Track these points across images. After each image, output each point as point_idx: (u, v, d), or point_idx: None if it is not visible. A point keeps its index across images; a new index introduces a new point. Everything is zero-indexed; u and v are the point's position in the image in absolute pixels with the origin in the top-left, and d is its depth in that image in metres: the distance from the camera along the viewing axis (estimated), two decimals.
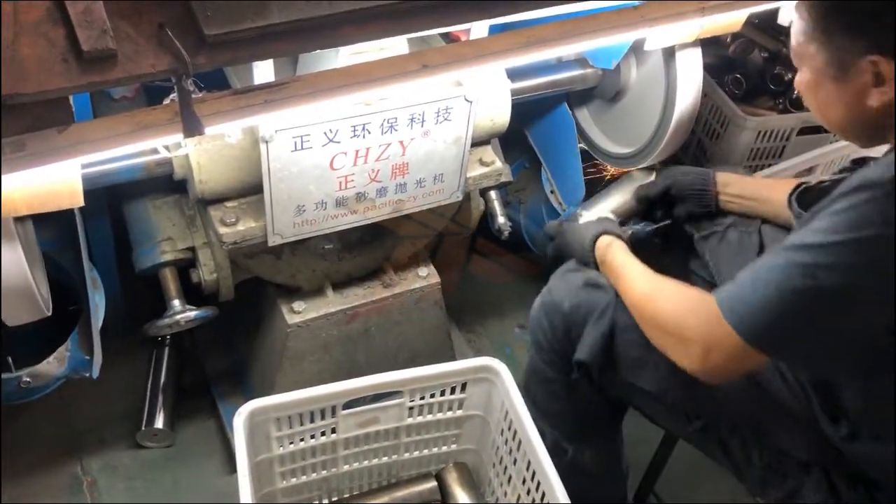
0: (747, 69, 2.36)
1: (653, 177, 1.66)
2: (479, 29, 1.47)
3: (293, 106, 1.21)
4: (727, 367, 1.17)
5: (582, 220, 1.56)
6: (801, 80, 1.18)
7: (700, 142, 2.34)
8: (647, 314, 1.29)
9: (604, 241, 1.46)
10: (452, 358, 1.98)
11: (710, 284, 1.57)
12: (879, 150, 1.20)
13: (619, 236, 1.47)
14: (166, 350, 1.98)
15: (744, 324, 1.11)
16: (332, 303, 1.75)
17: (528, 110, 1.95)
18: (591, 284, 1.45)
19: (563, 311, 1.45)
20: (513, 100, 1.72)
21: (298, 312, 1.72)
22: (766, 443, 1.35)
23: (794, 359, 1.21)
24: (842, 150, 2.06)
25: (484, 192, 1.89)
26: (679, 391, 1.34)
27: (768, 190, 1.55)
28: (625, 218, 1.67)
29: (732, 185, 1.58)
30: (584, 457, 1.59)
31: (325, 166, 1.46)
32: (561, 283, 1.50)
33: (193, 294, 1.70)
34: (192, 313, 1.65)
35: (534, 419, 1.54)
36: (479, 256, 2.39)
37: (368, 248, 1.76)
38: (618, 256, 1.41)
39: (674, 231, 1.66)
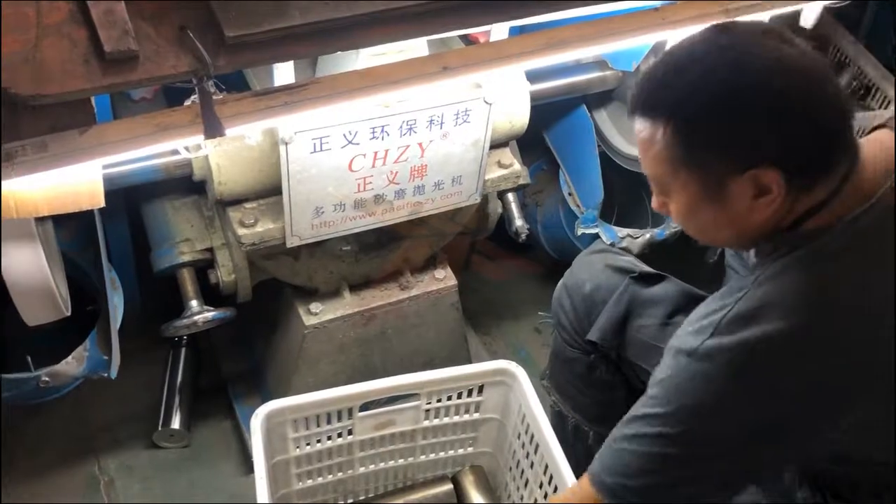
0: None
1: None
2: (499, 31, 1.46)
3: (313, 108, 1.21)
4: None
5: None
6: (673, 210, 1.10)
7: None
8: None
9: None
10: (468, 360, 1.97)
11: None
12: None
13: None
14: (183, 351, 1.98)
15: (608, 489, 1.14)
16: (348, 304, 1.75)
17: (546, 112, 1.94)
18: (613, 267, 1.49)
19: (584, 293, 1.50)
20: (533, 102, 1.71)
21: (315, 314, 1.72)
22: None
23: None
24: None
25: (502, 195, 1.88)
26: None
27: None
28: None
29: None
30: (602, 440, 1.59)
31: (343, 168, 1.46)
32: (583, 265, 1.56)
33: (211, 295, 1.70)
34: (210, 314, 1.65)
35: (556, 403, 1.61)
36: (494, 258, 2.38)
37: (385, 250, 1.76)
38: None
39: None
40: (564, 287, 1.55)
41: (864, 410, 1.09)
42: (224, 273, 1.65)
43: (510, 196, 1.89)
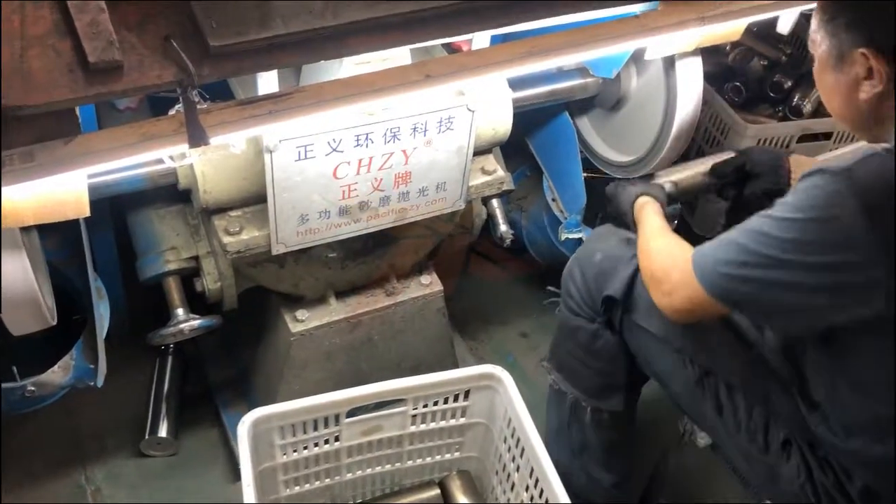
0: (747, 77, 2.37)
1: (732, 153, 1.73)
2: (481, 39, 1.48)
3: (297, 116, 1.22)
4: (690, 311, 1.32)
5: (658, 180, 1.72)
6: (815, 68, 1.27)
7: (700, 149, 2.35)
8: (644, 264, 1.45)
9: (641, 200, 1.61)
10: (455, 366, 1.98)
11: None
12: None
13: (656, 198, 1.61)
14: (170, 359, 1.98)
15: (704, 275, 1.26)
16: (334, 311, 1.76)
17: (529, 119, 1.96)
18: (626, 239, 1.58)
19: (595, 261, 1.57)
20: (515, 109, 1.73)
21: (301, 321, 1.73)
22: (753, 400, 1.42)
23: (748, 313, 1.33)
24: (840, 157, 2.07)
25: (486, 201, 1.90)
26: (680, 337, 1.46)
27: None
28: (695, 191, 1.76)
29: (805, 166, 1.62)
30: (601, 417, 1.64)
31: (328, 175, 1.47)
32: (596, 240, 1.65)
33: (198, 303, 1.71)
34: (196, 322, 1.66)
35: (555, 382, 1.67)
36: (480, 264, 2.39)
37: (371, 256, 1.77)
38: (646, 215, 1.56)
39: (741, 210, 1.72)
40: (576, 259, 1.62)
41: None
42: (210, 281, 1.65)
43: (495, 202, 1.91)
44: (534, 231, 2.17)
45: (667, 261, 1.38)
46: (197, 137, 1.14)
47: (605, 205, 1.72)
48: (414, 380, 1.61)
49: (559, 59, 1.37)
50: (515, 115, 1.74)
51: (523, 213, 2.20)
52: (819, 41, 1.23)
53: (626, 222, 1.63)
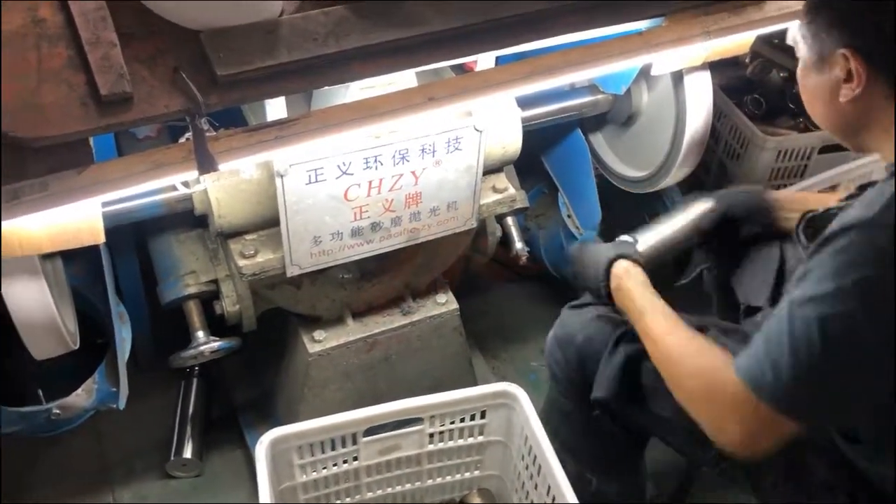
0: (766, 89, 2.36)
1: (710, 204, 1.54)
2: (486, 60, 1.50)
3: (303, 141, 1.25)
4: (767, 442, 1.13)
5: (638, 247, 1.48)
6: (798, 72, 1.24)
7: (721, 162, 2.34)
8: (672, 378, 1.25)
9: (620, 267, 1.40)
10: (474, 384, 1.99)
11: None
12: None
13: (636, 262, 1.42)
14: (195, 381, 2.02)
15: (769, 393, 1.08)
16: (352, 331, 1.78)
17: (543, 136, 1.97)
18: (603, 317, 1.45)
19: (577, 344, 1.46)
20: (525, 127, 1.74)
21: (319, 341, 1.75)
22: (784, 463, 1.33)
23: (825, 417, 1.17)
24: (863, 167, 2.05)
25: (501, 219, 1.91)
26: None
27: (824, 202, 1.49)
28: (677, 252, 1.56)
29: (791, 202, 1.55)
30: (607, 488, 1.59)
31: (339, 198, 1.50)
32: (573, 316, 1.50)
33: (219, 325, 1.74)
34: (216, 344, 1.69)
35: (556, 451, 1.52)
36: (501, 282, 2.40)
37: (387, 276, 1.79)
38: (635, 290, 1.36)
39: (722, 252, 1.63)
40: (556, 339, 1.51)
41: None
42: (228, 304, 1.68)
43: (509, 220, 1.92)
44: (552, 248, 2.17)
45: (706, 388, 1.17)
46: (206, 164, 1.18)
47: (573, 268, 1.53)
48: (429, 398, 1.62)
49: (562, 78, 1.39)
50: (529, 133, 1.76)
51: (541, 230, 2.21)
52: (801, 43, 1.20)
53: (598, 293, 1.43)
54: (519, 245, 1.93)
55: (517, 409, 1.63)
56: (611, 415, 1.46)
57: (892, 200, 1.04)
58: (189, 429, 1.95)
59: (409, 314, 1.82)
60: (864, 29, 1.11)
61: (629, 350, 1.39)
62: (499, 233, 1.90)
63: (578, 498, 1.47)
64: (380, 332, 1.79)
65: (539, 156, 2.08)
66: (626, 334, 1.40)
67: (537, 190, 2.17)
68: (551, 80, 1.37)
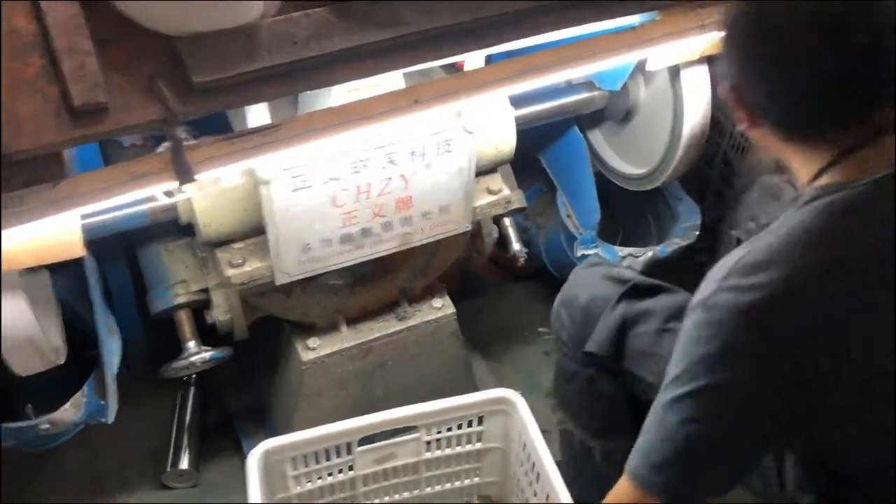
0: None
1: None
2: (474, 59, 1.46)
3: (286, 147, 1.22)
4: None
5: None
6: None
7: (726, 156, 2.30)
8: None
9: None
10: (474, 388, 1.95)
11: None
12: None
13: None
14: (191, 390, 1.99)
15: (644, 480, 1.13)
16: (346, 338, 1.74)
17: (540, 135, 1.93)
18: (608, 277, 1.48)
19: (581, 305, 1.48)
20: (521, 126, 1.70)
21: (313, 349, 1.72)
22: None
23: (698, 491, 1.16)
24: None
25: (498, 220, 1.87)
26: None
27: None
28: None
29: None
30: (609, 456, 1.58)
31: (327, 204, 1.46)
32: (580, 277, 1.55)
33: (211, 334, 1.71)
34: (208, 354, 1.66)
35: (562, 421, 1.60)
36: (500, 283, 2.36)
37: (381, 281, 1.76)
38: None
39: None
40: (561, 301, 1.54)
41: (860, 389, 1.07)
42: (219, 313, 1.65)
43: (506, 220, 1.88)
44: (552, 248, 2.13)
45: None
46: (183, 174, 1.14)
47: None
48: (425, 406, 1.59)
49: (554, 76, 1.35)
50: (525, 132, 1.72)
51: (540, 230, 2.17)
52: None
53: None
54: (517, 246, 1.89)
55: (514, 415, 1.60)
56: (609, 373, 1.47)
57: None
58: (185, 439, 1.92)
59: (404, 319, 1.78)
60: (734, 67, 1.09)
61: (627, 310, 1.42)
62: (495, 234, 1.86)
63: (584, 472, 1.54)
64: (375, 338, 1.76)
65: (536, 154, 2.04)
66: (630, 291, 1.44)
67: (536, 189, 2.13)
68: (542, 79, 1.34)
